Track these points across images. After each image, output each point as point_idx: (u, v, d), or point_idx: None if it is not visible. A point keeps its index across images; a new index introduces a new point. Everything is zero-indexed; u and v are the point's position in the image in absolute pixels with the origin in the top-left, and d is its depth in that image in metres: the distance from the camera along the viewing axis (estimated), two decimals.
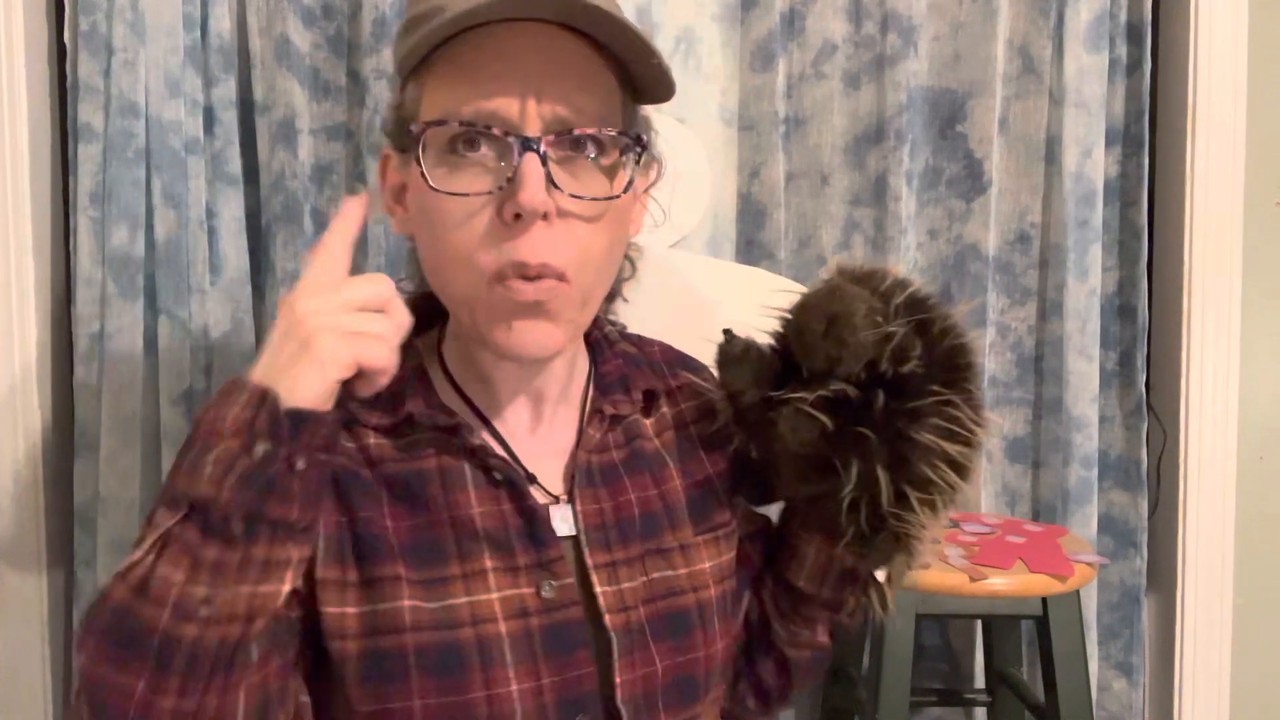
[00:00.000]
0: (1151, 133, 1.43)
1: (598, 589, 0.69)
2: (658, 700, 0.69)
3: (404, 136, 0.68)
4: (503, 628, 0.65)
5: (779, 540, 0.82)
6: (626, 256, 0.78)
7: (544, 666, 0.66)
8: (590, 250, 0.65)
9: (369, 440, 0.69)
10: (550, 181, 0.63)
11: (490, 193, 0.63)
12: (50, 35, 1.34)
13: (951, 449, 0.68)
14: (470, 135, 0.63)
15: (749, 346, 0.74)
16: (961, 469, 0.69)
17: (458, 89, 0.64)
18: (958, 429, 0.69)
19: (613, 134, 0.66)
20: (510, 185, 0.62)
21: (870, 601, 0.80)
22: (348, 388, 0.61)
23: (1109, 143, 1.41)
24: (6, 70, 1.27)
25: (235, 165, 1.34)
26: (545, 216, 0.63)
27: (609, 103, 0.66)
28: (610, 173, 0.67)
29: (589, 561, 0.70)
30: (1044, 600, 1.15)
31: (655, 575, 0.72)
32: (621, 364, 0.78)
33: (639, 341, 0.83)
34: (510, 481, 0.69)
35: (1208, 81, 1.40)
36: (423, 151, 0.65)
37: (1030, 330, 1.43)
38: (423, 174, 0.64)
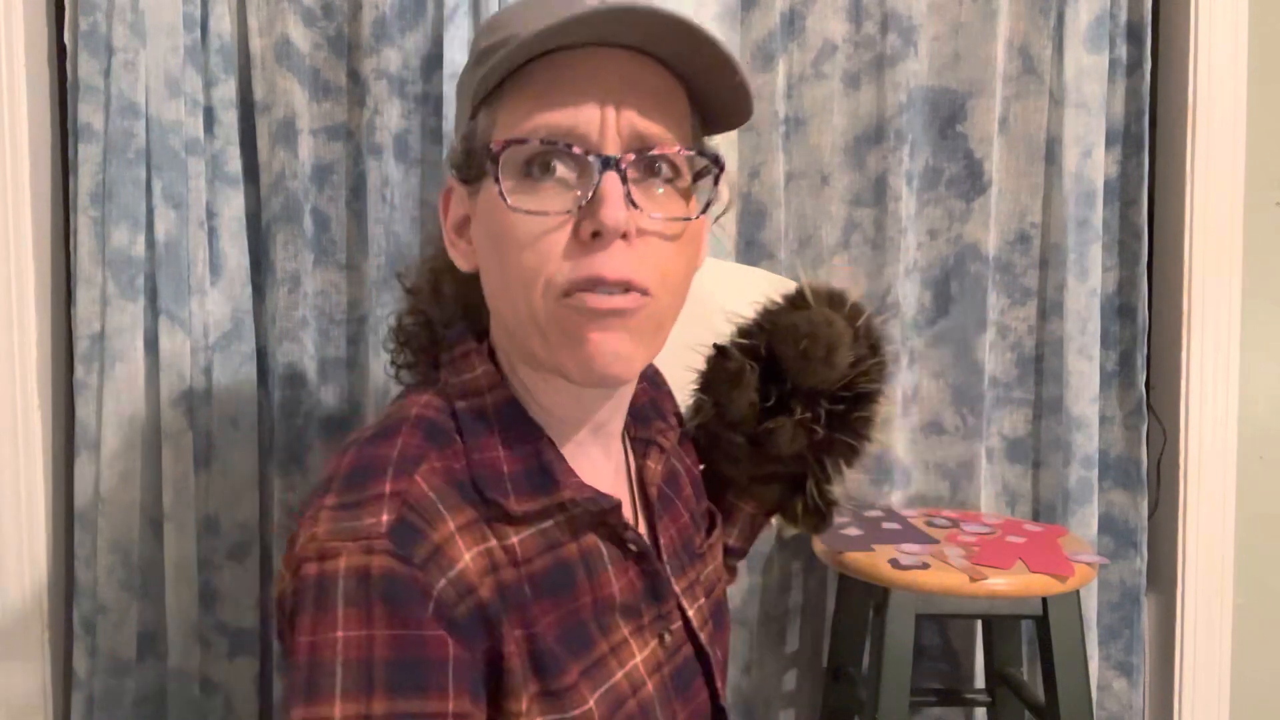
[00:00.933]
0: (1151, 133, 1.43)
1: (690, 612, 0.73)
2: (722, 683, 0.76)
3: (471, 167, 0.66)
4: (649, 687, 0.67)
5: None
6: None
7: (678, 705, 0.70)
8: (671, 270, 0.64)
9: (512, 539, 0.62)
10: (630, 200, 0.61)
11: (569, 211, 0.61)
12: (50, 35, 1.34)
13: (877, 437, 0.86)
14: (547, 156, 0.62)
15: (744, 367, 0.81)
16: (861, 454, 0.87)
17: (535, 110, 0.62)
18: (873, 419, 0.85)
19: (690, 154, 0.65)
20: (590, 204, 0.60)
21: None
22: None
23: (1109, 143, 1.41)
24: (6, 70, 1.27)
25: (235, 165, 1.34)
26: (625, 236, 0.61)
27: (683, 125, 0.65)
28: (685, 195, 0.66)
29: (676, 589, 0.73)
30: (1044, 600, 1.15)
31: (699, 577, 0.78)
32: (646, 387, 0.80)
33: (647, 380, 0.85)
34: (644, 554, 0.69)
35: (1208, 81, 1.40)
36: (497, 170, 0.62)
37: (1030, 330, 1.43)
38: (500, 193, 0.61)
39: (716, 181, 0.66)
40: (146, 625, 1.33)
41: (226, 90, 1.33)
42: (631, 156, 0.61)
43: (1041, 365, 1.44)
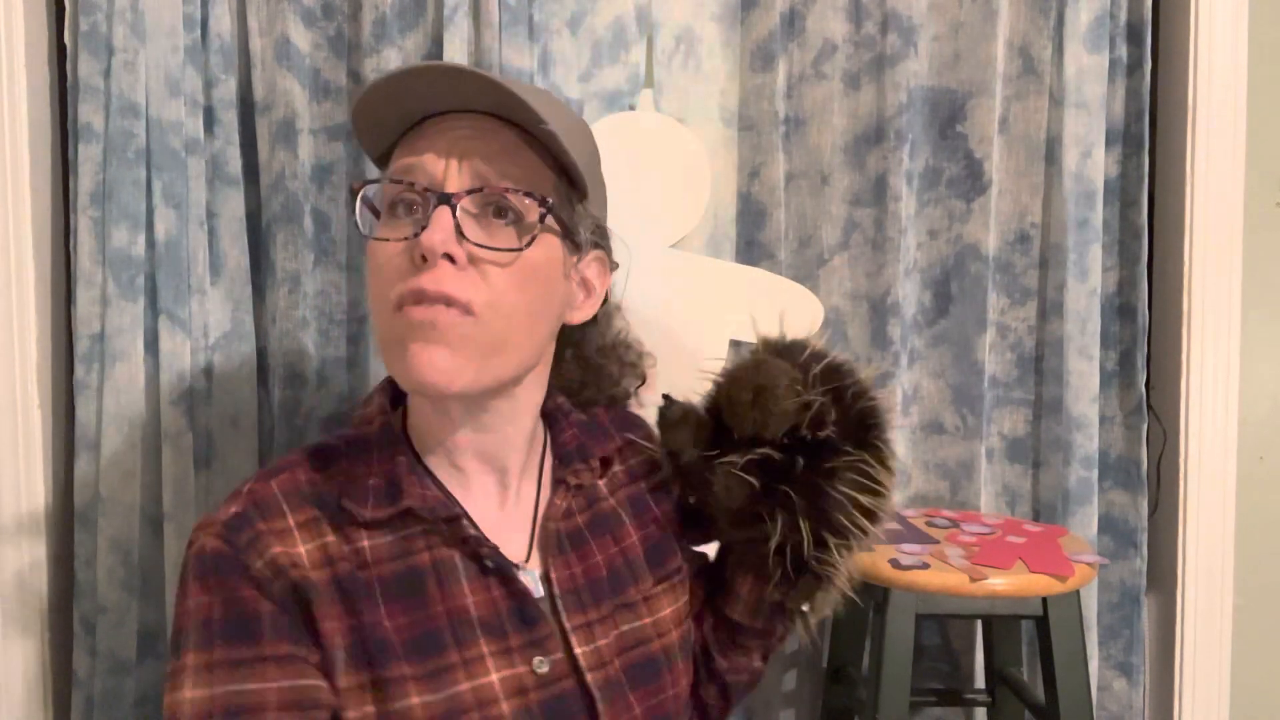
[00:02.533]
0: (1151, 133, 1.43)
1: (577, 650, 0.75)
2: None
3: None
4: (505, 707, 0.71)
5: (717, 578, 0.90)
6: (633, 364, 0.90)
7: None
8: (502, 296, 0.71)
9: (363, 543, 0.72)
10: (459, 232, 0.69)
11: (406, 239, 0.71)
12: (50, 35, 1.34)
13: (864, 500, 0.79)
14: (402, 195, 0.72)
15: (687, 411, 0.83)
16: (873, 515, 0.80)
17: (396, 160, 0.74)
18: (869, 482, 0.79)
19: (520, 192, 0.72)
20: (423, 232, 0.69)
21: (797, 629, 0.90)
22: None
23: (1109, 143, 1.41)
24: (6, 70, 1.27)
25: (235, 165, 1.34)
26: (455, 261, 0.69)
27: (532, 179, 0.73)
28: (524, 233, 0.73)
29: (567, 625, 0.75)
30: (1044, 600, 1.15)
31: (625, 628, 0.79)
32: (577, 433, 0.84)
33: (586, 410, 0.89)
34: (500, 569, 0.74)
35: (1208, 81, 1.40)
36: (359, 207, 0.74)
37: (1030, 330, 1.43)
38: (356, 224, 0.74)
39: (544, 220, 0.73)
40: (146, 625, 1.33)
41: (226, 90, 1.33)
42: (464, 196, 0.70)
43: (1041, 365, 1.44)
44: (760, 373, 0.79)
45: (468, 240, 0.70)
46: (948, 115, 1.41)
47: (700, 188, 1.36)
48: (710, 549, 0.94)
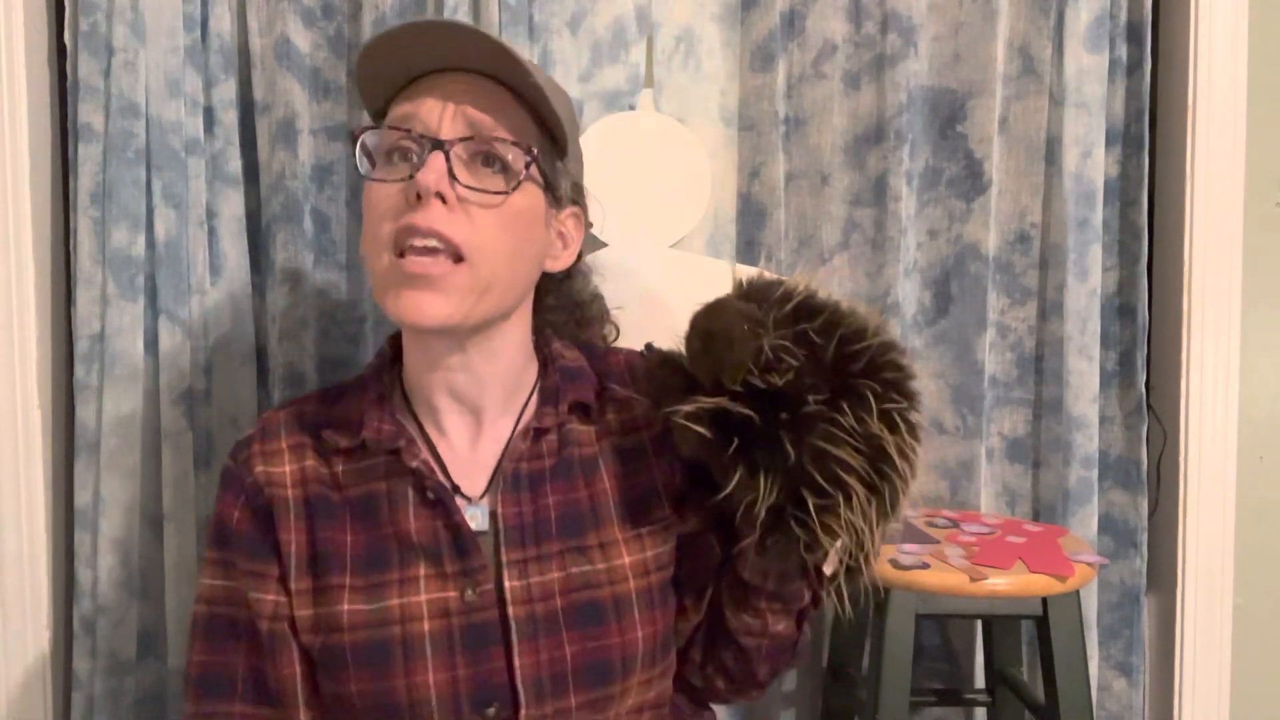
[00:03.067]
0: (1151, 133, 1.43)
1: (506, 584, 0.80)
2: (567, 681, 0.79)
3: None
4: (426, 626, 0.78)
5: (732, 538, 0.86)
6: (608, 313, 1.00)
7: (460, 660, 0.77)
8: (489, 238, 0.77)
9: (338, 467, 0.83)
10: (451, 175, 0.76)
11: (402, 180, 0.77)
12: (50, 35, 1.34)
13: (844, 454, 0.69)
14: (398, 142, 0.78)
15: (664, 360, 0.79)
16: (876, 470, 0.71)
17: (393, 109, 0.80)
18: (843, 434, 0.70)
19: (509, 142, 0.79)
20: (417, 174, 0.75)
21: (829, 600, 0.83)
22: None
23: (1109, 143, 1.41)
24: (6, 70, 1.27)
25: (235, 165, 1.34)
26: (445, 201, 0.76)
27: (519, 130, 0.80)
28: (510, 180, 0.79)
29: (503, 558, 0.80)
30: (1044, 600, 1.15)
31: (574, 570, 0.82)
32: (559, 378, 0.88)
33: (604, 354, 0.93)
34: (441, 501, 0.81)
35: (1208, 81, 1.40)
36: (360, 153, 0.80)
37: (1030, 330, 1.43)
38: (357, 166, 0.80)
39: (528, 168, 0.79)
40: (146, 625, 1.33)
41: (226, 90, 1.33)
42: (456, 143, 0.77)
43: (1041, 365, 1.44)
44: (712, 317, 0.73)
45: (459, 182, 0.77)
46: (948, 115, 1.41)
47: (700, 188, 1.36)
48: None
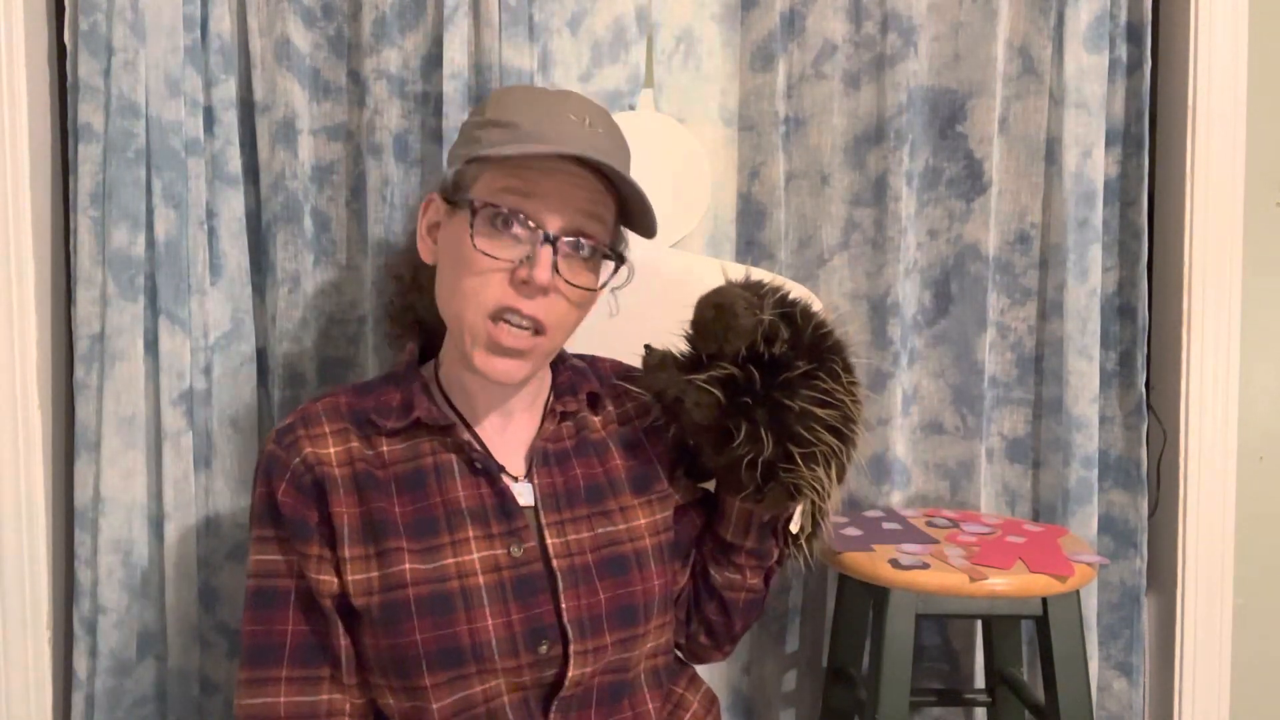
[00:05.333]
0: (1151, 133, 1.43)
1: (548, 541, 0.92)
2: (602, 622, 0.92)
3: (456, 197, 0.91)
4: (481, 580, 0.89)
5: (711, 504, 1.06)
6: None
7: (513, 607, 0.89)
8: (567, 320, 0.92)
9: (383, 447, 0.93)
10: (555, 268, 0.88)
11: (513, 261, 0.88)
12: (50, 35, 1.34)
13: (822, 413, 0.90)
14: (509, 218, 0.88)
15: (665, 355, 0.97)
16: (838, 432, 0.91)
17: (510, 185, 0.88)
18: (827, 397, 0.90)
19: (606, 247, 0.92)
20: (529, 261, 0.87)
21: (795, 552, 1.04)
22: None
23: (1109, 143, 1.41)
24: (6, 70, 1.27)
25: (235, 165, 1.34)
26: (545, 290, 0.88)
27: (606, 222, 0.92)
28: (593, 269, 0.93)
29: (543, 520, 0.93)
30: (1044, 600, 1.15)
31: (600, 530, 0.96)
32: (571, 375, 1.03)
33: (592, 360, 1.09)
34: (487, 470, 0.93)
35: (1208, 81, 1.40)
36: (473, 217, 0.88)
37: (1030, 330, 1.43)
38: (471, 235, 0.88)
39: (616, 270, 0.94)
40: (146, 625, 1.33)
41: (226, 90, 1.33)
42: (565, 238, 0.89)
43: (1041, 365, 1.44)
44: (720, 294, 0.93)
45: (561, 277, 0.89)
46: (948, 115, 1.41)
47: (700, 188, 1.36)
48: (710, 485, 1.07)
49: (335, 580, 0.90)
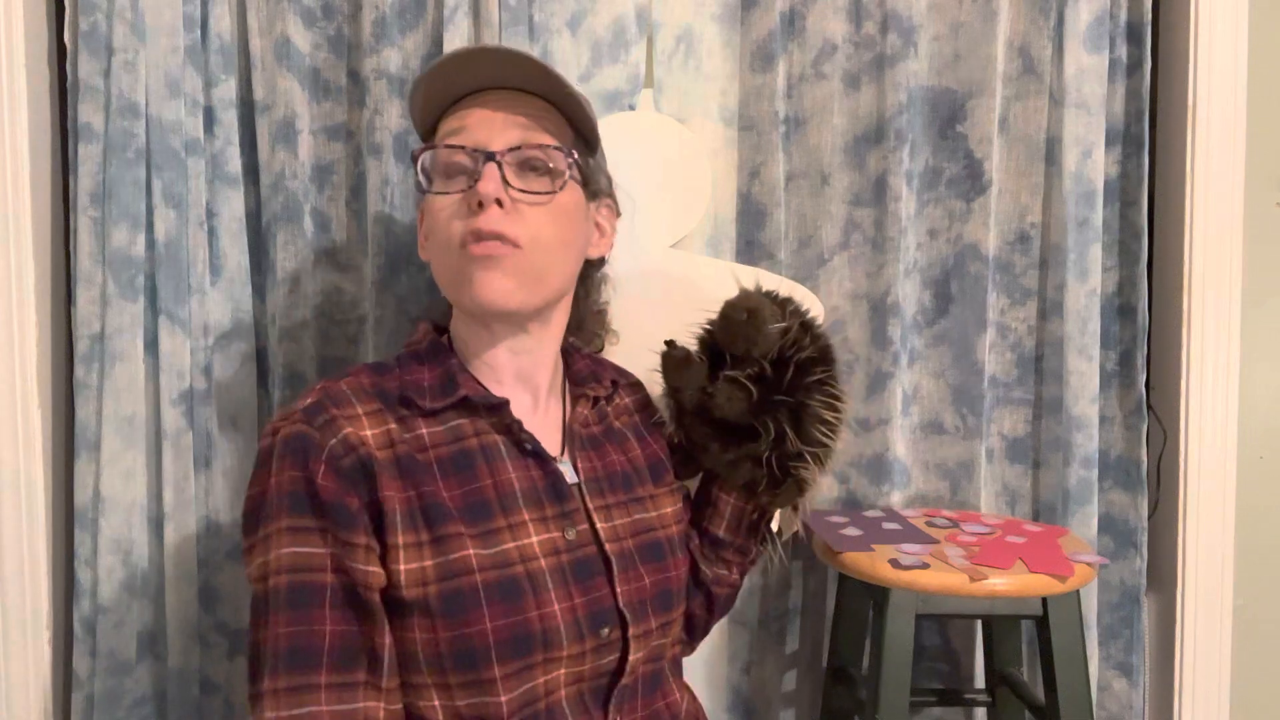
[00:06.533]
0: (1151, 133, 1.43)
1: (599, 525, 0.93)
2: (648, 607, 0.93)
3: (420, 178, 0.92)
4: (543, 564, 0.87)
5: (700, 502, 1.09)
6: (608, 329, 1.13)
7: (575, 590, 0.88)
8: (539, 230, 0.89)
9: (421, 430, 0.89)
10: (505, 181, 0.88)
11: (463, 190, 0.89)
12: (50, 35, 1.34)
13: (828, 416, 0.97)
14: (452, 158, 0.89)
15: (688, 354, 1.00)
16: (835, 431, 0.98)
17: (448, 128, 0.92)
18: (833, 400, 0.98)
19: (552, 146, 0.90)
20: (476, 184, 0.87)
21: (768, 550, 1.10)
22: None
23: (1109, 143, 1.41)
24: (6, 70, 1.27)
25: (235, 165, 1.34)
26: (501, 204, 0.87)
27: (552, 131, 0.92)
28: (554, 179, 0.91)
29: (590, 505, 0.93)
30: (1044, 600, 1.15)
31: (637, 516, 0.97)
32: (589, 363, 1.04)
33: (592, 357, 1.09)
34: (537, 453, 0.92)
35: (1208, 81, 1.40)
36: (420, 171, 0.91)
37: (1030, 330, 1.43)
38: (418, 182, 0.90)
39: (583, 180, 0.94)
40: (146, 625, 1.33)
41: (226, 90, 1.33)
42: (506, 153, 0.88)
43: (1041, 365, 1.44)
44: (749, 299, 0.98)
45: (512, 187, 0.88)
46: (948, 115, 1.41)
47: (700, 188, 1.36)
48: (691, 484, 1.12)
49: (383, 571, 0.83)
